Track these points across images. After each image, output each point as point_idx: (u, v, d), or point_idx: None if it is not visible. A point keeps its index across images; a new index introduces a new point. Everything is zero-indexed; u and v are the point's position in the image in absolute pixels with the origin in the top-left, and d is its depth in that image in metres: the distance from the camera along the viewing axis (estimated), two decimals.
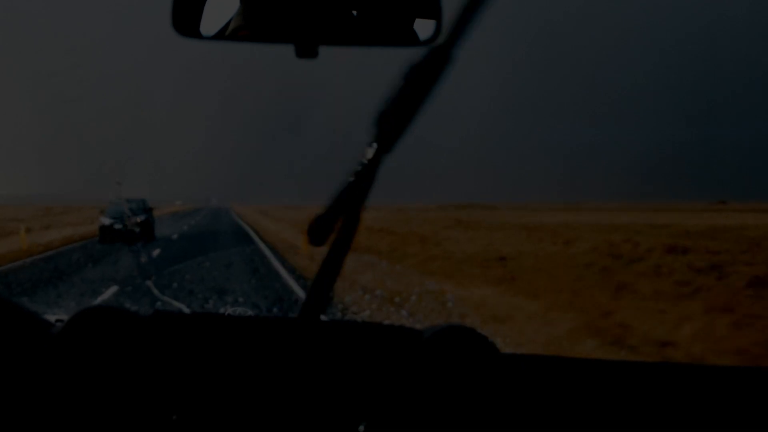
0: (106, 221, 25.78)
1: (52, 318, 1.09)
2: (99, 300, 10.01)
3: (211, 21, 1.12)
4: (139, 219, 26.17)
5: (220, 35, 1.13)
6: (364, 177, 0.72)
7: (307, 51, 1.03)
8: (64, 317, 1.01)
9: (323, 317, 0.88)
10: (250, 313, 1.22)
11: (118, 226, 24.91)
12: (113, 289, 11.31)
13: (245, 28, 1.10)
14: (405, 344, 0.92)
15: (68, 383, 0.87)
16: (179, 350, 0.92)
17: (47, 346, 0.92)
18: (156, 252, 18.88)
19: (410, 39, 1.12)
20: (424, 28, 1.12)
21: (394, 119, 0.69)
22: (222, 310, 1.34)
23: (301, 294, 10.61)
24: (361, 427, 0.84)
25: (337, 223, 0.74)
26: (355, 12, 1.09)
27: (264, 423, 0.86)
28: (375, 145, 0.71)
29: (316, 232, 0.73)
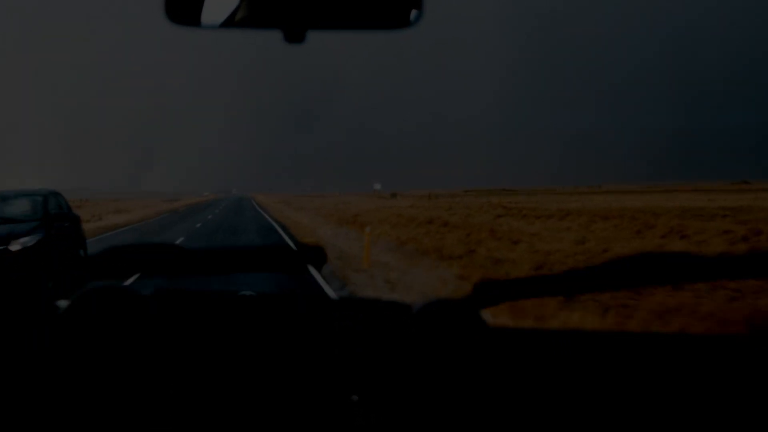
0: None
1: (60, 302, 1.04)
2: None
3: (203, 9, 1.14)
4: (21, 241, 9.88)
5: (211, 23, 1.16)
6: None
7: (294, 36, 1.05)
8: (69, 299, 1.00)
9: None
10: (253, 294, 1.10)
11: None
12: None
13: (234, 15, 1.12)
14: (395, 318, 0.93)
15: (73, 362, 0.90)
16: (180, 326, 0.94)
17: (53, 325, 0.94)
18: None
19: (396, 22, 1.13)
20: (410, 11, 1.13)
21: None
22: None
23: None
24: (354, 398, 0.86)
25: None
26: None
27: (260, 394, 0.88)
28: None
29: (485, 287, 0.89)
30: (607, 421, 0.86)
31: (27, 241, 9.91)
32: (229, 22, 1.12)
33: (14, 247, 9.77)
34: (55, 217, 11.26)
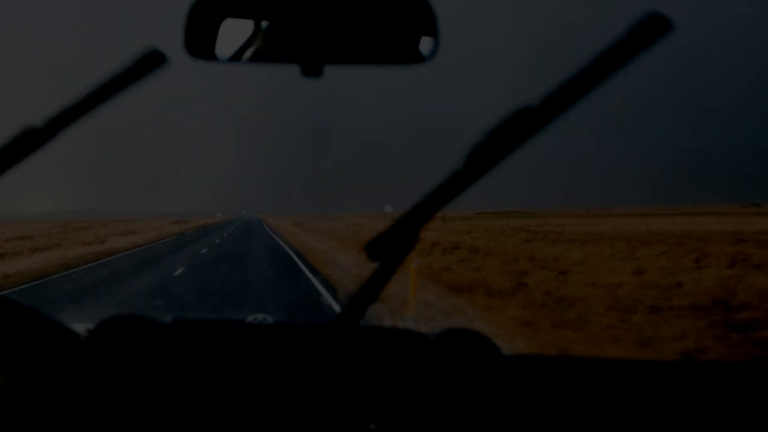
0: None
1: (79, 327, 1.05)
2: None
3: (221, 44, 1.15)
4: None
5: (230, 57, 1.16)
6: (433, 199, 0.76)
7: (312, 70, 1.07)
8: (90, 326, 1.00)
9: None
10: (270, 320, 1.12)
11: None
12: None
13: (253, 50, 1.14)
14: (411, 347, 0.94)
15: (92, 390, 0.90)
16: (198, 356, 0.94)
17: (73, 354, 0.94)
18: None
19: (410, 57, 1.14)
20: (423, 46, 1.13)
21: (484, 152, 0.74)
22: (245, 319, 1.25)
23: None
24: (372, 426, 0.86)
25: (396, 240, 0.80)
26: (356, 32, 1.11)
27: (277, 424, 0.88)
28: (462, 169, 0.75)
29: (375, 247, 0.79)
30: None
31: None
32: (248, 57, 1.13)
33: None
34: None
